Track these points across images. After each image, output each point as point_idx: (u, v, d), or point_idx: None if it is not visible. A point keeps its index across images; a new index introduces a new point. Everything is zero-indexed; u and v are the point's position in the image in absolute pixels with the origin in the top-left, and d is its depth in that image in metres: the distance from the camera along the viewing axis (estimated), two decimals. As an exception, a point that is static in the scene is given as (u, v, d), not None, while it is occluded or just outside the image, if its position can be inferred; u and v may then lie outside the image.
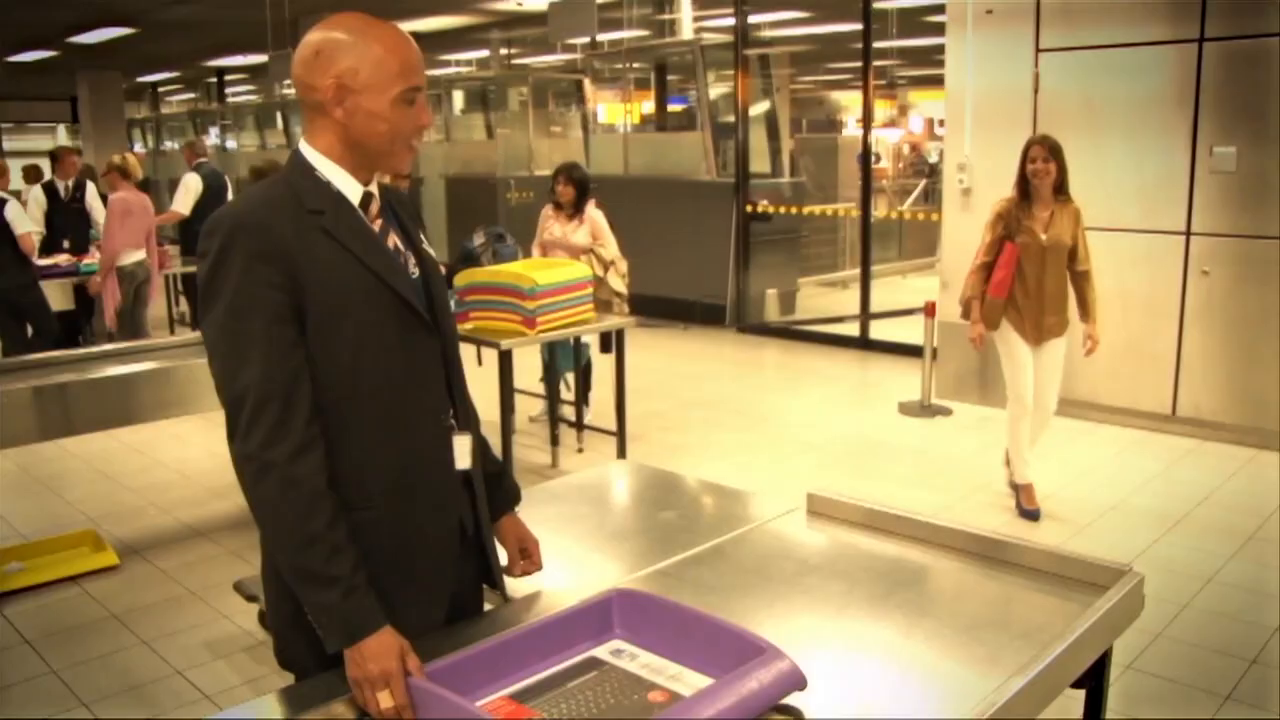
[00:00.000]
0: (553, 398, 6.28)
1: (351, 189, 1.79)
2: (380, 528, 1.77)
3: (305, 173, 1.77)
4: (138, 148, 22.94)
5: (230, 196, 9.69)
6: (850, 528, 2.38)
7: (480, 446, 1.99)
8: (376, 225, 1.81)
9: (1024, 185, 4.85)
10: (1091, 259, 4.97)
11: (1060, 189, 4.85)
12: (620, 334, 5.59)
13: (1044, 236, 4.83)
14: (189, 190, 9.17)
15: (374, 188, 1.83)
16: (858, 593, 2.04)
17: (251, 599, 3.90)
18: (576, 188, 6.19)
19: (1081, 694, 1.99)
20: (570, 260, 5.78)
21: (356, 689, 1.61)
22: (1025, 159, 4.84)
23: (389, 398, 1.78)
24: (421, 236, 1.93)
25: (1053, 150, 4.79)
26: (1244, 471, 5.66)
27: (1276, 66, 5.74)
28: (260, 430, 1.63)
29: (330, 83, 1.71)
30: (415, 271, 1.85)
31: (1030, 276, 4.87)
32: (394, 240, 1.84)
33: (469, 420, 1.96)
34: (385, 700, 1.58)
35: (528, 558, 2.05)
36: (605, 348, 6.01)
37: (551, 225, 6.28)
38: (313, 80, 1.73)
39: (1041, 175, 4.79)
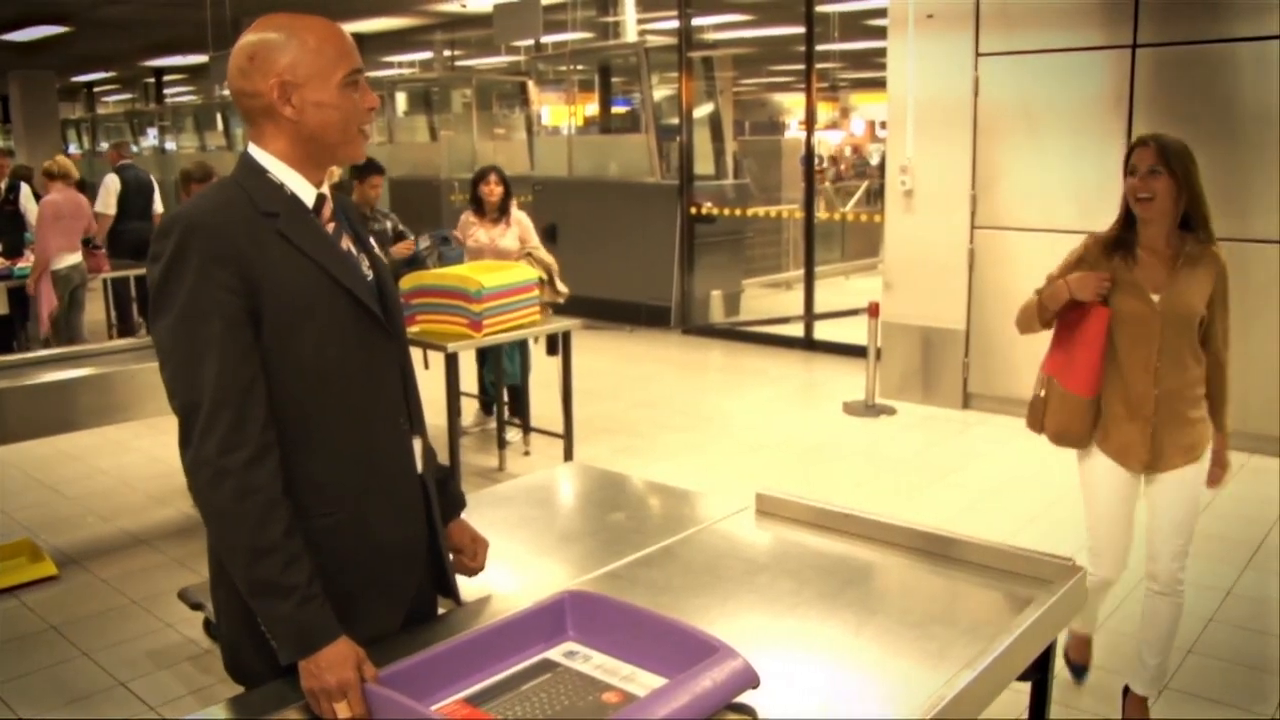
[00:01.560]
0: (499, 402, 6.26)
1: (305, 191, 1.77)
2: (343, 533, 1.75)
3: (257, 175, 1.74)
4: (72, 149, 22.54)
5: (158, 199, 9.63)
6: (799, 526, 2.41)
7: (428, 452, 1.99)
8: (330, 228, 1.80)
9: (1127, 214, 3.02)
10: (1229, 340, 3.12)
11: (1190, 223, 2.98)
12: (567, 336, 5.59)
13: (1157, 300, 2.97)
14: (109, 191, 9.14)
15: (326, 190, 1.81)
16: (808, 591, 2.06)
17: (196, 607, 3.82)
18: (505, 188, 6.17)
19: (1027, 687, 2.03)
20: (516, 263, 5.77)
21: (313, 700, 1.60)
22: (1125, 170, 3.00)
23: (350, 402, 1.76)
24: (372, 240, 1.92)
25: (1171, 155, 2.90)
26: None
27: (1206, 72, 5.88)
28: (215, 436, 1.60)
29: (273, 83, 1.69)
30: (369, 274, 1.83)
31: (1133, 363, 3.03)
32: (347, 243, 1.82)
33: (421, 424, 1.95)
34: (344, 711, 1.57)
35: (473, 557, 2.04)
36: (552, 350, 6.01)
37: (475, 231, 6.22)
38: (254, 86, 1.71)
39: (1149, 208, 2.92)
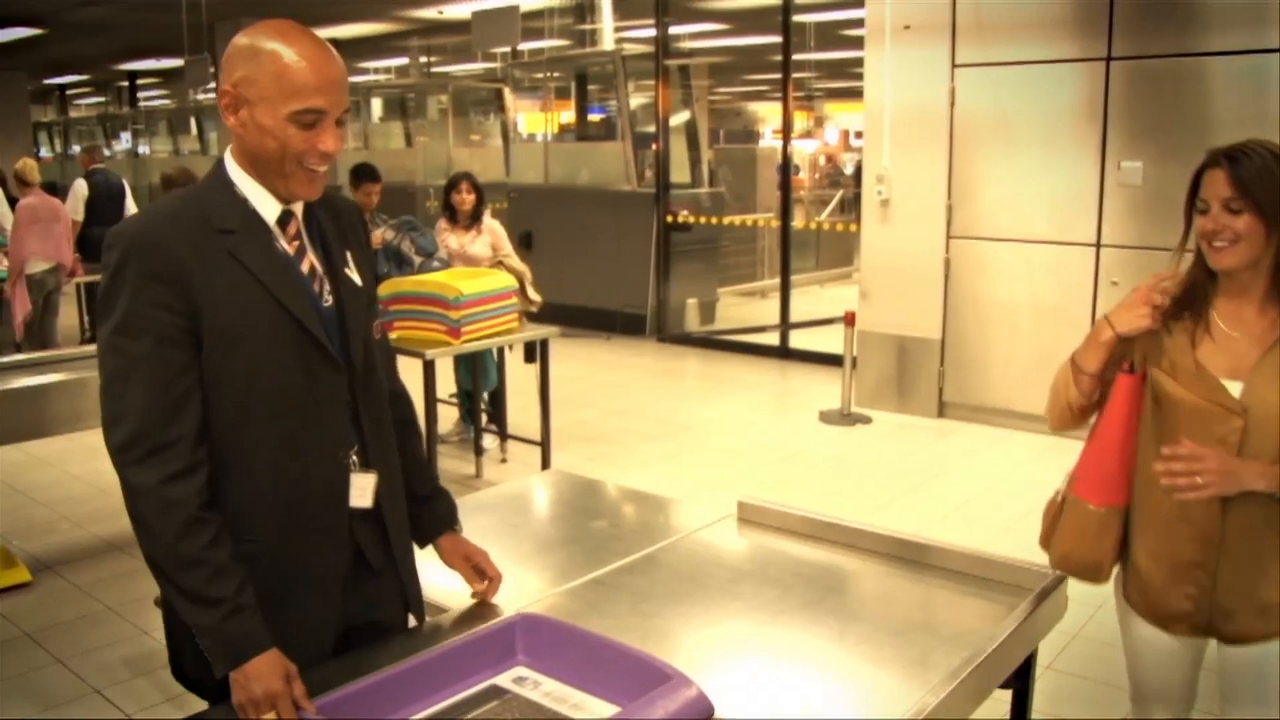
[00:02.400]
0: (476, 409, 6.25)
1: (268, 207, 1.72)
2: (262, 561, 1.71)
3: (222, 187, 1.72)
4: (44, 152, 22.35)
5: (130, 203, 9.62)
6: (780, 534, 2.42)
7: (416, 470, 1.97)
8: (293, 247, 1.75)
9: (1200, 260, 2.09)
10: None
11: None
12: (545, 343, 5.59)
13: (1237, 391, 2.01)
14: (76, 197, 9.17)
15: (297, 207, 1.76)
16: (790, 599, 2.07)
17: (172, 614, 3.82)
18: (477, 195, 6.18)
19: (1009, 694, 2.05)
20: (494, 270, 5.77)
21: (242, 712, 1.58)
22: (1191, 196, 2.09)
23: (282, 431, 1.71)
24: (348, 259, 1.84)
25: (1255, 182, 1.98)
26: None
27: (1179, 85, 5.95)
28: (135, 454, 1.60)
29: (227, 89, 1.66)
30: (328, 300, 1.78)
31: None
32: (310, 263, 1.77)
33: (386, 454, 1.88)
34: None
35: (483, 575, 2.00)
36: (529, 358, 6.01)
37: (447, 237, 6.24)
38: (220, 83, 1.69)
39: (1227, 257, 2.02)
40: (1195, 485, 1.94)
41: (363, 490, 1.81)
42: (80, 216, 9.05)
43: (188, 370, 1.63)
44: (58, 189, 9.23)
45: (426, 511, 2.01)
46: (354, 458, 1.81)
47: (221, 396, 1.66)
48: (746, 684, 1.74)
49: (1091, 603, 4.13)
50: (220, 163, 1.74)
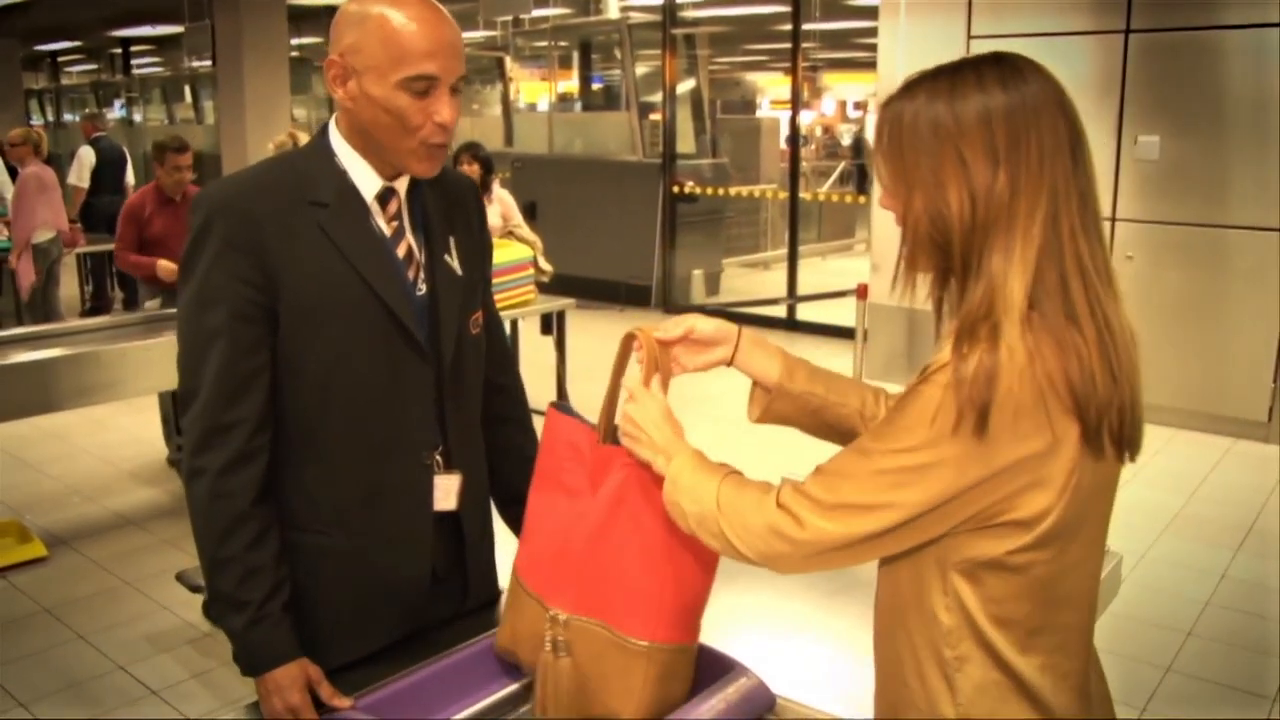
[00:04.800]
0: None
1: (368, 182, 1.61)
2: (333, 558, 1.64)
3: (321, 156, 1.61)
4: (35, 120, 22.13)
5: (129, 171, 9.52)
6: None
7: (524, 470, 1.82)
8: (390, 228, 1.64)
9: None
10: None
11: None
12: (561, 316, 5.55)
13: None
14: (82, 164, 9.11)
15: (400, 184, 1.64)
16: (841, 577, 2.03)
17: (196, 590, 3.77)
18: (482, 166, 6.08)
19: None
20: (510, 241, 5.72)
21: None
22: None
23: (360, 422, 1.61)
24: (451, 245, 1.71)
25: None
26: (1166, 450, 5.84)
27: (1197, 58, 5.90)
28: (199, 431, 1.53)
29: (334, 59, 1.54)
30: (422, 288, 1.66)
31: None
32: (408, 245, 1.65)
33: (469, 457, 1.77)
34: None
35: None
36: (545, 330, 5.98)
37: None
38: (329, 53, 1.56)
39: None
40: None
41: (446, 492, 1.72)
42: (86, 184, 9.00)
43: (257, 350, 1.54)
44: (52, 158, 9.13)
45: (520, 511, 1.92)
46: (437, 459, 1.70)
47: (299, 381, 1.58)
48: (804, 671, 1.70)
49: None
50: (324, 130, 1.63)
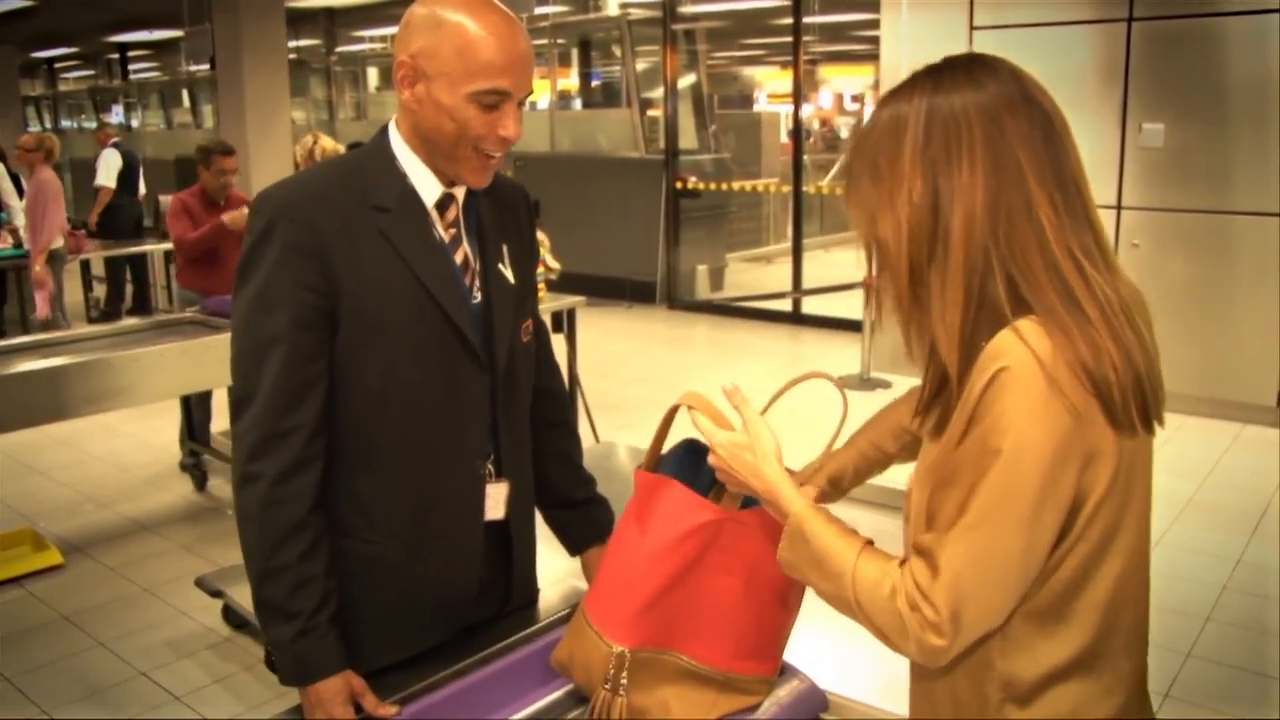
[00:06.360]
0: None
1: (429, 188, 1.60)
2: (384, 567, 1.63)
3: (383, 160, 1.59)
4: (33, 127, 22.11)
5: (141, 176, 9.56)
6: (854, 504, 2.38)
7: (571, 475, 1.88)
8: (449, 235, 1.63)
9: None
10: None
11: None
12: (571, 314, 5.56)
13: None
14: (109, 166, 9.19)
15: (459, 191, 1.64)
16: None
17: (216, 594, 3.79)
18: None
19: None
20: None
21: None
22: None
23: (415, 430, 1.60)
24: (504, 254, 1.70)
25: None
26: (1176, 437, 5.84)
27: (1200, 46, 5.90)
28: (255, 437, 1.51)
29: (405, 59, 1.52)
30: (477, 296, 1.65)
31: None
32: (464, 253, 1.64)
33: (518, 465, 1.76)
34: None
35: None
36: (556, 327, 5.98)
37: None
38: (396, 53, 1.54)
39: None
40: None
41: (496, 501, 1.71)
42: (114, 184, 9.18)
43: (318, 356, 1.53)
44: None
45: (579, 519, 1.90)
46: (489, 468, 1.69)
47: (355, 386, 1.57)
48: (851, 669, 1.69)
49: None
50: (383, 132, 1.62)
